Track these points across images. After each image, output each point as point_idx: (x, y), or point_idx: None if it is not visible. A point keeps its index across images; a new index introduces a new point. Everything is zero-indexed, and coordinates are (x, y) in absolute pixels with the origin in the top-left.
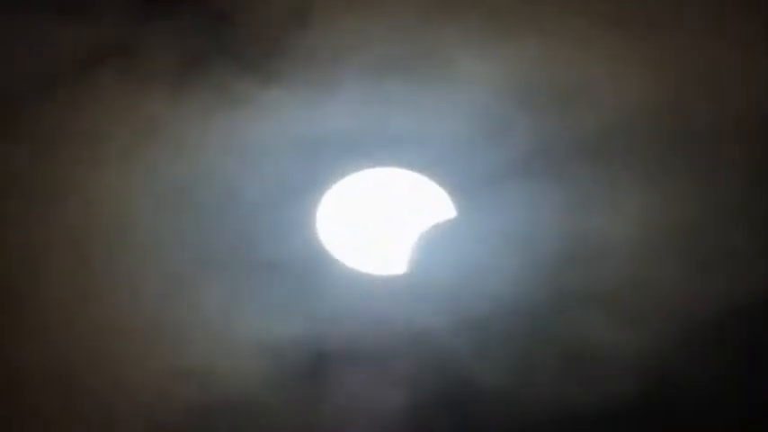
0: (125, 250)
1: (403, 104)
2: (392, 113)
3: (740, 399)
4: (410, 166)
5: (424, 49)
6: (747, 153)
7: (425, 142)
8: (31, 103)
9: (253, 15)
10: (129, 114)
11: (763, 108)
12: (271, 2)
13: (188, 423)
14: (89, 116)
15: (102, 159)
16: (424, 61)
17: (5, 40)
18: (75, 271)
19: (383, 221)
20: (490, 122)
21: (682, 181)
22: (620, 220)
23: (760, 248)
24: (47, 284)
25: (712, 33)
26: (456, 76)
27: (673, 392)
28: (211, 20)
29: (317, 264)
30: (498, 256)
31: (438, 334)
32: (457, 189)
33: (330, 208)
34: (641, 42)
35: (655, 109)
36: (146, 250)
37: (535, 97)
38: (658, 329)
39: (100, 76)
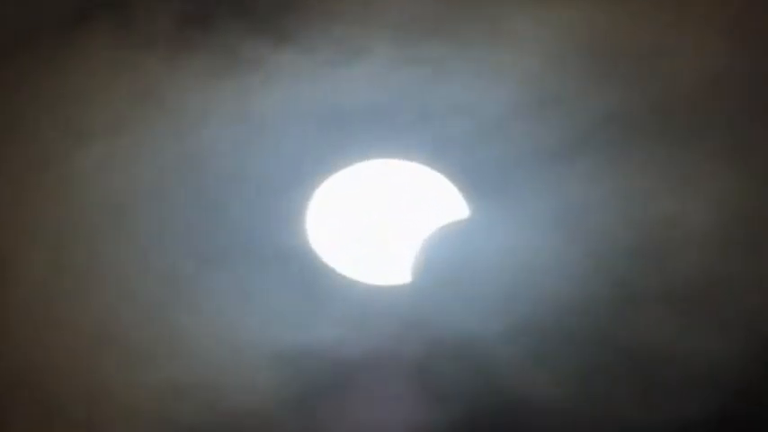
0: (112, 242)
1: (440, 73)
2: (425, 83)
3: None
4: (433, 148)
5: (468, 6)
6: None
7: (463, 116)
8: (3, 64)
9: None
10: (119, 81)
11: None
12: None
13: None
14: (73, 82)
15: (87, 134)
16: (467, 22)
17: None
18: (52, 266)
19: (390, 219)
20: (542, 95)
21: None
22: (694, 207)
23: None
24: (17, 281)
25: None
26: (504, 40)
27: (756, 410)
28: None
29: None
30: (545, 250)
31: (468, 344)
32: (500, 166)
33: (322, 204)
34: (727, 5)
35: (739, 80)
36: (136, 243)
37: (597, 66)
38: (740, 335)
39: (86, 36)
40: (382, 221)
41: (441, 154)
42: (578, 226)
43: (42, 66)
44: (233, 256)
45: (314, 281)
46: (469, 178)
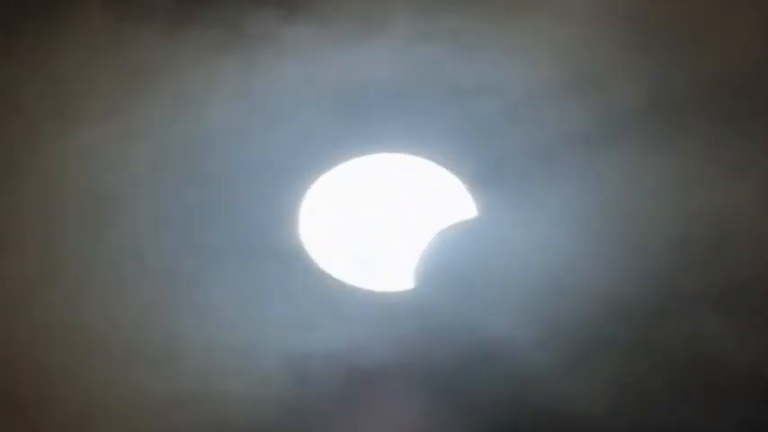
0: (102, 236)
1: (463, 48)
2: (447, 60)
3: None
4: (449, 138)
5: None
6: None
7: (488, 96)
8: None
9: None
10: (112, 58)
11: None
12: None
13: None
14: (64, 58)
15: (78, 114)
16: None
17: None
18: (36, 263)
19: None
20: (577, 72)
21: None
22: (745, 197)
23: None
24: None
25: None
26: (536, 11)
27: None
28: None
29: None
30: (576, 248)
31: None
32: (525, 155)
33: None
34: None
35: None
36: (131, 236)
37: (640, 39)
38: None
39: (79, 8)
40: (383, 221)
41: (455, 144)
42: (615, 220)
43: (30, 41)
44: (236, 253)
45: (313, 285)
46: (482, 171)
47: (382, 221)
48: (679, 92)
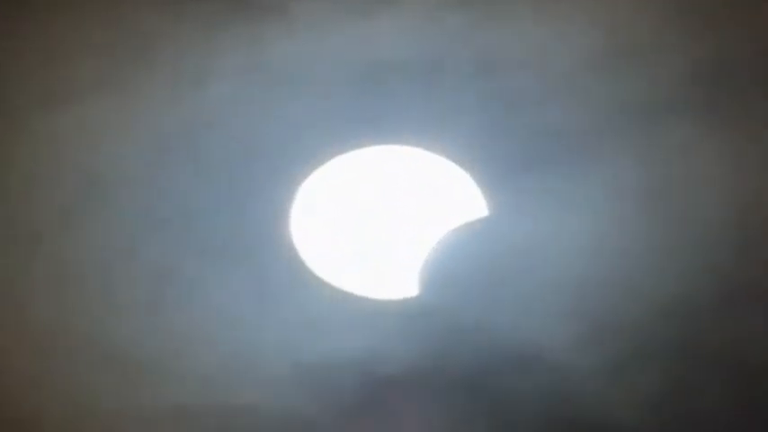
0: (91, 228)
1: (492, 19)
2: (475, 34)
3: None
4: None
5: None
6: None
7: (520, 72)
8: None
9: None
10: (110, 30)
11: None
12: None
13: None
14: (55, 30)
15: (70, 92)
16: None
17: None
18: (19, 257)
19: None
20: (623, 42)
21: None
22: None
23: None
24: None
25: None
26: None
27: None
28: None
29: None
30: (615, 240)
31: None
32: (563, 133)
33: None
34: None
35: None
36: (121, 230)
37: (692, 2)
38: None
39: None
40: (387, 220)
41: (472, 133)
42: (663, 207)
43: (17, 13)
44: (238, 247)
45: (314, 292)
46: (500, 161)
47: (386, 221)
48: (736, 64)
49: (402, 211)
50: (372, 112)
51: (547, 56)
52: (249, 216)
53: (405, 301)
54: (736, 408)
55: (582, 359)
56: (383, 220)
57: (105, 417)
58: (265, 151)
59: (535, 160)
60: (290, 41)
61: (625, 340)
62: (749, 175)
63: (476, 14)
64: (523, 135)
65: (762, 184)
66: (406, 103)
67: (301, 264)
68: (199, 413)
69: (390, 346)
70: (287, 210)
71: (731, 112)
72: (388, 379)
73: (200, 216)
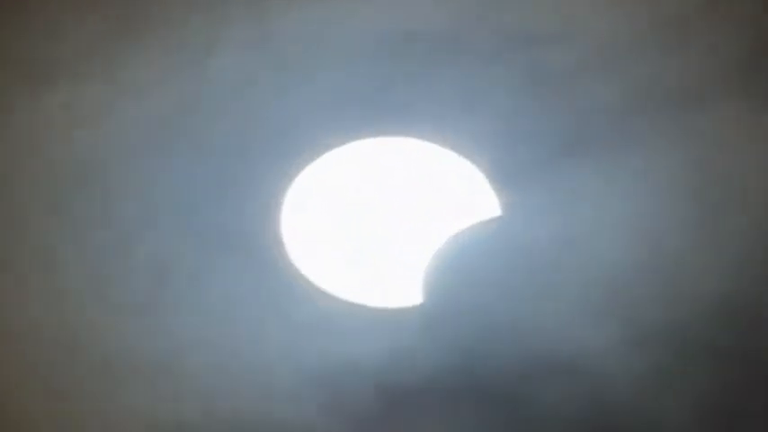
0: (80, 219)
1: None
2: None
3: None
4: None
5: None
6: None
7: (545, 50)
8: None
9: None
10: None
11: None
12: None
13: None
14: (35, 6)
15: (52, 70)
16: None
17: None
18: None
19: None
20: (664, 13)
21: None
22: None
23: None
24: None
25: None
26: None
27: None
28: None
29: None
30: (653, 234)
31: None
32: (596, 115)
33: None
34: None
35: None
36: (112, 220)
37: None
38: None
39: None
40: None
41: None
42: (703, 199)
43: None
44: (238, 240)
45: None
46: (525, 149)
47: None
48: None
49: (407, 209)
50: (383, 96)
51: (583, 29)
52: (240, 211)
53: (414, 309)
54: None
55: (620, 364)
56: (387, 219)
57: (96, 425)
58: (268, 137)
59: (562, 149)
60: (298, 14)
61: (667, 342)
62: None
63: None
64: (553, 120)
65: None
66: (421, 87)
67: (297, 272)
68: (198, 423)
69: (403, 356)
70: (279, 205)
71: None
72: (405, 390)
73: (199, 200)
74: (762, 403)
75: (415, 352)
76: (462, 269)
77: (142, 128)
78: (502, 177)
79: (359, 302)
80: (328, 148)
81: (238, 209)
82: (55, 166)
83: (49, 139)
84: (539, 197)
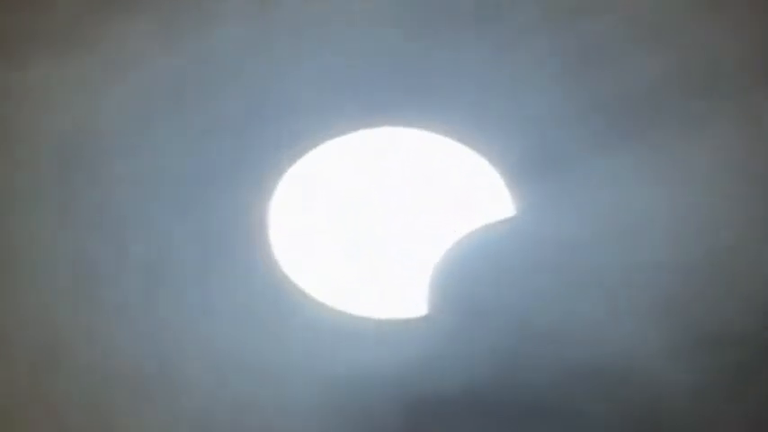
0: (66, 208)
1: None
2: None
3: None
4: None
5: None
6: None
7: (592, 20)
8: None
9: None
10: None
11: None
12: None
13: None
14: None
15: (37, 40)
16: None
17: None
18: None
19: None
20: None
21: None
22: None
23: None
24: None
25: None
26: None
27: None
28: None
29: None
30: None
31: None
32: (639, 91)
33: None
34: None
35: None
36: (102, 209)
37: None
38: None
39: None
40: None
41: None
42: (757, 189)
43: None
44: (237, 234)
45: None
46: (555, 140)
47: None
48: None
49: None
50: (389, 78)
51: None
52: (236, 213)
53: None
54: None
55: (672, 373)
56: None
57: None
58: (268, 118)
59: (597, 138)
60: None
61: (726, 351)
62: None
63: None
64: (594, 101)
65: None
66: (438, 69)
67: (285, 277)
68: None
69: (414, 368)
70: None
71: None
72: (428, 404)
73: (199, 192)
74: None
75: (424, 364)
76: (475, 272)
77: (136, 104)
78: (520, 173)
79: (363, 315)
80: (328, 137)
81: (233, 209)
82: (36, 152)
83: (28, 120)
84: (568, 192)
